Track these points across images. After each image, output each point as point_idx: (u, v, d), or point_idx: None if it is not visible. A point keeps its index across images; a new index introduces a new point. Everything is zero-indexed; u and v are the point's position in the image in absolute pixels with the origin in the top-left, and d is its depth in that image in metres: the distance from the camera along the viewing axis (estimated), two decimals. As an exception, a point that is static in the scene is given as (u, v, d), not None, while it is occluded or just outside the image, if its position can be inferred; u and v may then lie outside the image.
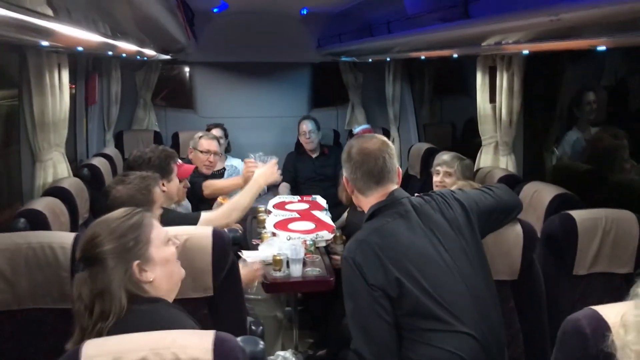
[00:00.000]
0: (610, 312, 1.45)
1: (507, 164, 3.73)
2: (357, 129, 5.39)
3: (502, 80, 3.59)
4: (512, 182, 3.37)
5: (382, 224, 2.02)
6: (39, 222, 2.57)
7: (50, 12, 1.68)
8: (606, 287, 2.51)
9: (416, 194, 2.19)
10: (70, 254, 2.12)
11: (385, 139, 2.17)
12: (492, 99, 3.75)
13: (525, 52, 2.87)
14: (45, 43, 1.98)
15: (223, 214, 2.96)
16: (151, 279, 1.61)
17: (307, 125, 5.47)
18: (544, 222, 2.74)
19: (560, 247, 2.53)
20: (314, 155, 5.51)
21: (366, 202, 2.12)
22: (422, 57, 4.08)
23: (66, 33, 1.91)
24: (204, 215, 2.85)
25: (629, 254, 2.52)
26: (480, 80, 3.82)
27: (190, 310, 1.76)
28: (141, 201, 2.35)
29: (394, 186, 2.11)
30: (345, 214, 4.41)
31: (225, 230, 2.37)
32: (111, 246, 1.58)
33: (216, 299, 2.21)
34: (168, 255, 1.70)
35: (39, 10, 1.60)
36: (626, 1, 1.48)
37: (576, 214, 2.54)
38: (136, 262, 1.60)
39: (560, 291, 2.52)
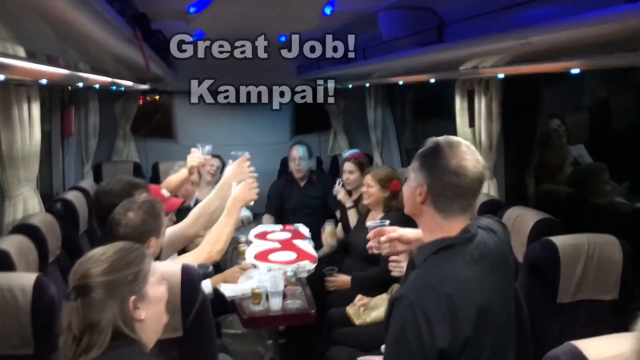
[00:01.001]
0: (591, 347, 1.40)
1: (489, 188, 3.68)
2: (346, 154, 5.27)
3: (481, 104, 3.56)
4: (495, 207, 3.33)
5: (457, 269, 1.68)
6: (3, 262, 2.47)
7: (9, 50, 1.63)
8: (591, 315, 2.46)
9: (478, 226, 1.80)
10: (31, 297, 2.03)
11: (482, 160, 1.78)
12: (472, 123, 3.71)
13: (501, 75, 2.84)
14: (0, 77, 1.91)
15: (189, 222, 2.78)
16: (143, 317, 1.56)
17: (297, 151, 5.11)
18: (527, 247, 2.69)
19: (542, 275, 2.48)
20: (302, 184, 5.17)
21: (436, 224, 1.76)
22: (400, 83, 4.05)
23: (23, 67, 1.85)
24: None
25: (613, 280, 2.47)
26: (459, 105, 3.79)
27: (159, 353, 1.68)
28: (153, 226, 2.30)
29: (470, 217, 1.78)
30: (331, 240, 4.31)
31: (195, 266, 2.28)
32: (110, 278, 1.53)
33: (186, 340, 2.11)
34: (161, 294, 1.66)
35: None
36: (593, 24, 1.45)
37: (558, 239, 2.49)
38: (132, 297, 1.54)
39: (545, 320, 2.46)
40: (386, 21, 3.39)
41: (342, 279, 3.69)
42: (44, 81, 2.34)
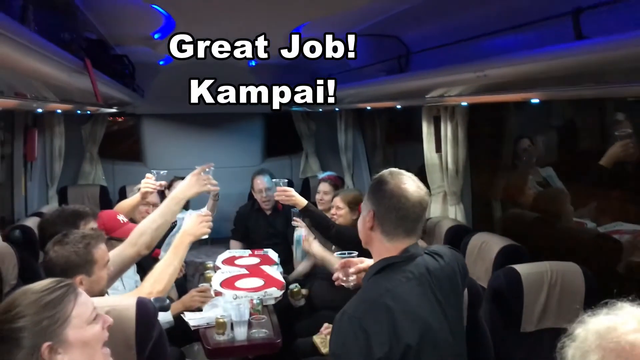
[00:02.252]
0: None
1: (455, 213, 3.69)
2: (321, 175, 5.18)
3: (447, 130, 3.59)
4: (461, 232, 3.34)
5: (395, 284, 1.79)
6: (-48, 294, 2.37)
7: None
8: (555, 344, 2.42)
9: (425, 251, 1.93)
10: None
11: (424, 188, 1.92)
12: (438, 149, 3.73)
13: (464, 104, 2.87)
14: (-54, 107, 1.86)
15: (129, 241, 2.53)
16: None
17: (262, 182, 4.90)
18: (491, 275, 2.69)
19: (506, 303, 2.47)
20: (268, 212, 4.99)
21: (383, 248, 1.87)
22: (368, 108, 4.06)
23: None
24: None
25: (576, 308, 2.44)
26: (426, 130, 3.81)
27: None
28: (78, 263, 2.15)
29: (415, 240, 1.90)
30: (304, 263, 4.26)
31: (151, 299, 2.21)
32: (25, 323, 1.44)
33: (142, 376, 2.03)
34: (88, 336, 1.54)
35: None
36: (547, 59, 1.46)
37: (521, 268, 2.50)
38: (47, 343, 1.44)
39: (509, 349, 2.44)
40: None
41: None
42: (-1, 108, 2.29)
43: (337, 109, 5.60)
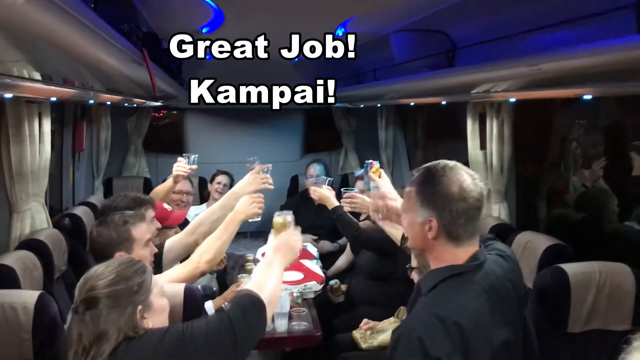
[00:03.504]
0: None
1: (499, 212, 3.64)
2: (358, 172, 5.14)
3: (492, 127, 3.54)
4: (505, 231, 3.28)
5: (466, 300, 1.60)
6: (7, 278, 2.45)
7: (15, 72, 1.63)
8: (602, 346, 2.39)
9: (489, 252, 1.75)
10: (32, 314, 2.01)
11: (477, 176, 1.73)
12: (483, 146, 3.68)
13: (512, 100, 2.82)
14: (8, 95, 1.93)
15: (188, 230, 2.68)
16: (150, 326, 1.60)
17: (315, 169, 5.08)
18: (537, 274, 2.64)
19: (552, 303, 2.42)
20: (316, 203, 5.04)
21: (448, 254, 1.68)
22: (412, 104, 4.03)
23: (34, 87, 1.86)
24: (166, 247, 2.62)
25: (626, 310, 2.41)
26: (471, 127, 3.77)
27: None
28: (117, 241, 2.29)
29: (478, 239, 1.72)
30: (343, 259, 4.28)
31: (199, 287, 2.26)
32: (116, 289, 1.57)
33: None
34: (164, 305, 1.72)
35: (2, 71, 1.56)
36: (604, 53, 1.43)
37: (568, 267, 2.44)
38: (139, 307, 1.59)
39: (554, 350, 2.40)
40: (398, 43, 3.39)
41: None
42: (53, 99, 2.36)
43: (378, 105, 5.58)
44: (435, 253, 1.70)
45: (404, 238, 2.65)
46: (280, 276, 1.87)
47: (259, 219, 2.67)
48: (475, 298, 1.62)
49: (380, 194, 2.22)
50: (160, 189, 3.69)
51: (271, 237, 2.12)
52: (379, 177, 3.17)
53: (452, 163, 1.73)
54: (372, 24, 3.30)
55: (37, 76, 1.68)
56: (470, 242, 1.68)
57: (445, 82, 2.84)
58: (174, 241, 2.64)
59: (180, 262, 2.77)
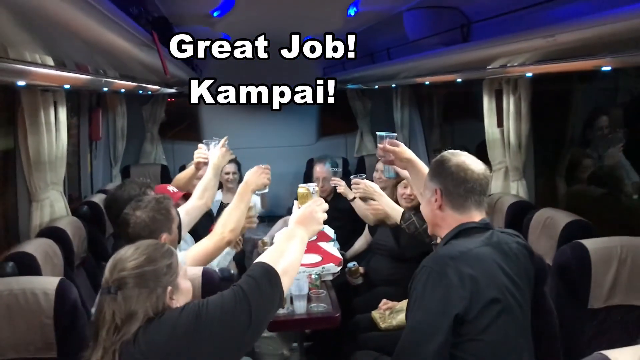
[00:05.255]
0: (624, 357, 1.32)
1: (517, 189, 3.59)
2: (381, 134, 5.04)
3: (509, 104, 3.48)
4: (524, 208, 3.25)
5: (475, 246, 1.84)
6: (28, 265, 2.49)
7: (27, 58, 1.64)
8: (624, 321, 2.36)
9: (497, 229, 1.98)
10: (53, 300, 2.04)
11: (483, 164, 2.01)
12: (500, 123, 3.63)
13: (529, 74, 2.76)
14: (22, 83, 1.93)
15: (196, 195, 2.94)
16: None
17: (322, 170, 4.73)
18: (557, 250, 2.61)
19: (573, 279, 2.40)
20: (328, 199, 4.63)
21: (455, 219, 1.93)
22: (427, 83, 3.98)
23: (46, 74, 1.86)
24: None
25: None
26: (487, 105, 3.71)
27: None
28: (162, 222, 2.36)
29: (484, 215, 1.96)
30: (361, 240, 4.28)
31: (216, 270, 2.27)
32: (146, 269, 1.61)
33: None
34: (189, 287, 1.75)
35: (15, 57, 1.56)
36: (622, 20, 1.38)
37: (589, 242, 2.41)
38: (169, 288, 1.63)
39: (575, 326, 2.38)
40: (411, 21, 3.34)
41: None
42: (67, 86, 2.36)
43: (393, 86, 5.52)
44: (445, 225, 1.95)
45: (403, 218, 3.27)
46: (300, 248, 1.84)
47: (267, 190, 2.89)
48: (482, 247, 1.84)
49: (392, 142, 2.44)
50: (182, 177, 3.71)
51: (295, 208, 2.11)
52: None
53: (458, 151, 2.01)
54: (384, 2, 3.26)
55: (49, 61, 1.68)
56: (474, 212, 1.92)
57: (460, 58, 2.79)
58: (188, 206, 2.86)
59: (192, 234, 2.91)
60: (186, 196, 3.11)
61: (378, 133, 2.61)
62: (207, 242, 2.55)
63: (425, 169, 2.33)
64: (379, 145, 2.50)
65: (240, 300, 1.57)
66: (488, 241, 1.86)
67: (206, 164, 3.54)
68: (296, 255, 1.81)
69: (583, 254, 2.37)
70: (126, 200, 2.53)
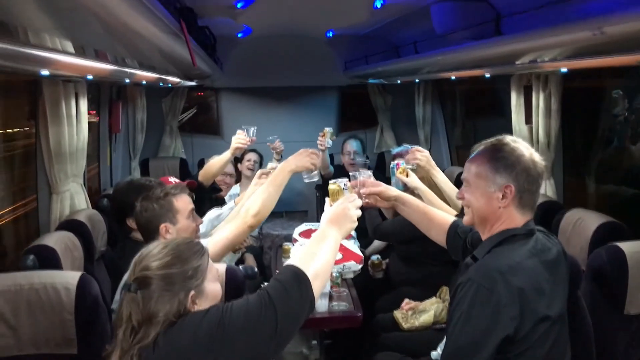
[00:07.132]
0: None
1: (546, 189, 3.49)
2: (395, 150, 5.01)
3: (539, 100, 3.38)
4: (552, 208, 3.15)
5: (522, 258, 1.73)
6: (49, 258, 2.45)
7: (49, 44, 1.59)
8: (663, 328, 2.26)
9: (537, 230, 1.86)
10: (74, 295, 2.00)
11: None
12: (528, 120, 3.53)
13: (564, 70, 2.66)
14: (45, 72, 1.89)
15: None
16: None
17: (352, 145, 5.06)
18: (589, 253, 2.52)
19: (608, 284, 2.30)
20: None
21: (511, 221, 1.80)
22: (452, 78, 3.89)
23: (69, 62, 1.81)
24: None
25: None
26: (515, 101, 3.61)
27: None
28: (160, 212, 2.36)
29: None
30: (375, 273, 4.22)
31: (240, 267, 2.22)
32: (170, 272, 1.53)
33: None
34: (217, 291, 1.65)
35: (37, 43, 1.52)
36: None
37: (625, 245, 2.31)
38: (192, 293, 1.53)
39: (611, 332, 2.28)
40: (439, 14, 3.26)
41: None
42: (90, 77, 2.32)
43: (416, 81, 5.43)
44: (498, 224, 1.81)
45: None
46: (334, 249, 1.73)
47: (316, 178, 2.62)
48: (529, 258, 1.73)
49: (362, 181, 2.27)
50: (215, 161, 3.71)
51: (327, 206, 2.01)
52: (407, 176, 3.17)
53: (513, 137, 1.85)
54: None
55: (70, 48, 1.63)
56: (530, 212, 1.81)
57: (490, 52, 2.70)
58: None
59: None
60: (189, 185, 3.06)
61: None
62: (229, 229, 2.43)
63: (423, 200, 2.27)
64: (359, 179, 2.30)
65: (265, 306, 1.48)
66: (534, 250, 1.76)
67: (244, 149, 3.55)
68: (328, 257, 1.70)
69: (619, 257, 2.27)
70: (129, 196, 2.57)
